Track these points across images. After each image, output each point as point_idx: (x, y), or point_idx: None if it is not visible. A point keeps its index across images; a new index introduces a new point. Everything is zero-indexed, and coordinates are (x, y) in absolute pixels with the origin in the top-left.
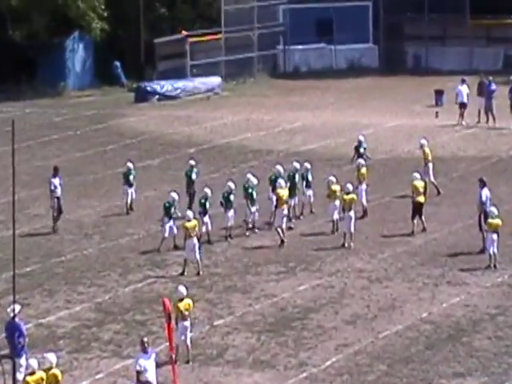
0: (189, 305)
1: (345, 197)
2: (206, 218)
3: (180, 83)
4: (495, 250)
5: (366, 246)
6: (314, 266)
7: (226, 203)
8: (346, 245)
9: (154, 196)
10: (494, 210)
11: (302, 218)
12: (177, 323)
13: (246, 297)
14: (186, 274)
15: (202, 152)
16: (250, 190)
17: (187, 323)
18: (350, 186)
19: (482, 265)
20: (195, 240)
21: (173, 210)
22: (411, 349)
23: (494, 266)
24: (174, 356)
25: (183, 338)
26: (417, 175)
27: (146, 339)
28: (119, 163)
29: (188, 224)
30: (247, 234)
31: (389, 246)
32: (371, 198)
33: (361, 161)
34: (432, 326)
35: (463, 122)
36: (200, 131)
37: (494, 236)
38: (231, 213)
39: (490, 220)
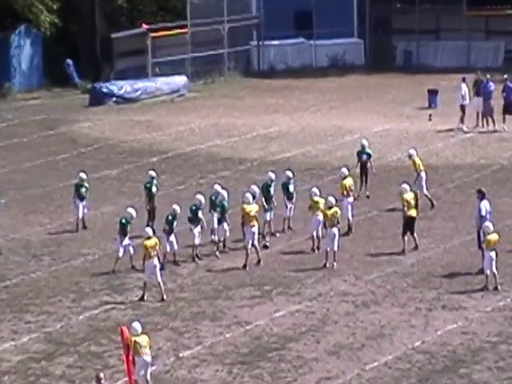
0: (147, 341)
1: (327, 212)
2: (172, 237)
3: (140, 84)
4: (495, 270)
5: (350, 266)
6: (293, 289)
7: (194, 219)
8: (329, 265)
9: (111, 211)
10: (489, 224)
11: (277, 235)
12: (133, 358)
13: (216, 324)
14: (146, 298)
15: (165, 161)
16: (220, 204)
17: (148, 358)
18: (332, 199)
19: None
20: (156, 260)
21: (128, 227)
22: (402, 382)
23: (495, 288)
24: None
25: (142, 372)
26: (406, 187)
27: (102, 375)
28: (72, 174)
29: (148, 242)
30: (217, 253)
31: (377, 266)
32: (356, 213)
33: (344, 170)
34: (426, 356)
35: (464, 127)
36: (163, 138)
37: (493, 254)
38: (198, 229)
39: (487, 237)
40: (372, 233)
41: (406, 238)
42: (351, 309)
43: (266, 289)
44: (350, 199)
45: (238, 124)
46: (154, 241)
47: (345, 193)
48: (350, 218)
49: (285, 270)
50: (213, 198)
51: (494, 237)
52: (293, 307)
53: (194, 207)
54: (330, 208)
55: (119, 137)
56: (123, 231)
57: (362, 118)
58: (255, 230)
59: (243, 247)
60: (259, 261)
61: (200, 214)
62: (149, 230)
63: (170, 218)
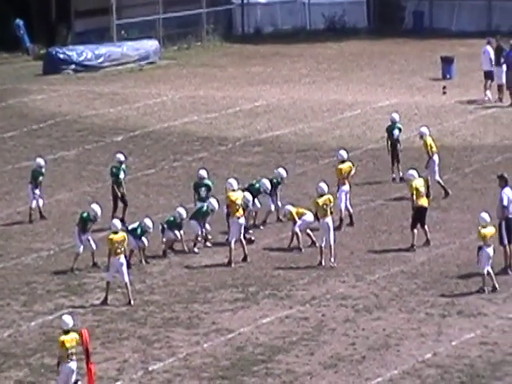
0: (76, 340)
1: (317, 200)
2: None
3: (103, 49)
4: (490, 270)
5: (350, 264)
6: (282, 291)
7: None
8: (324, 263)
9: (68, 199)
10: (484, 216)
11: (261, 227)
12: (58, 364)
13: (191, 332)
14: (109, 301)
15: (132, 140)
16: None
17: (73, 365)
18: (323, 186)
19: (505, 289)
20: (123, 258)
21: (89, 225)
22: None
23: (494, 289)
24: None
25: None
26: (414, 173)
27: None
28: (22, 156)
29: (114, 237)
30: (196, 249)
31: (381, 264)
32: (358, 202)
33: (341, 153)
34: (438, 371)
35: (489, 97)
36: (130, 113)
37: (490, 250)
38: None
39: (482, 230)
40: (376, 226)
41: (415, 231)
42: (351, 314)
43: (251, 290)
44: (346, 187)
45: (217, 97)
46: (121, 235)
47: (341, 180)
48: (350, 208)
49: (273, 269)
50: (197, 185)
51: (489, 230)
52: (282, 312)
53: (172, 218)
54: (321, 196)
55: (78, 111)
56: (83, 227)
57: (364, 91)
58: (242, 221)
59: (225, 241)
60: (246, 256)
61: (177, 233)
62: (117, 223)
63: (138, 231)
